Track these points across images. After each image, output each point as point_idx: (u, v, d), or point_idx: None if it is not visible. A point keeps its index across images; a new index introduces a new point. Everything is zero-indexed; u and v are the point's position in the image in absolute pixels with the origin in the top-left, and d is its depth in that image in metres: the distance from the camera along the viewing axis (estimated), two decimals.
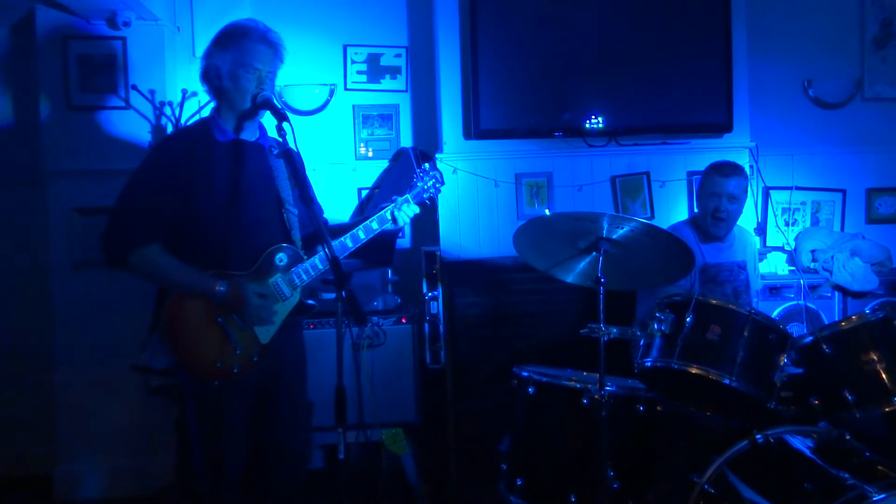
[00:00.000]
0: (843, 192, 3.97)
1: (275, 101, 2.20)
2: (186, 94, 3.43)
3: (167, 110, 3.40)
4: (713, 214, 2.94)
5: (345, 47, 3.87)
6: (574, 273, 2.41)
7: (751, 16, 3.74)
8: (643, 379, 2.28)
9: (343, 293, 1.91)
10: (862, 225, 3.98)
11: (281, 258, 2.25)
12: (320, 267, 2.25)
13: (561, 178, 3.63)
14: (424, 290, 3.45)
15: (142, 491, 3.34)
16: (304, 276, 2.26)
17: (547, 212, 3.55)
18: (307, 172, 2.52)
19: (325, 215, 2.63)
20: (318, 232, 2.03)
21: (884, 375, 2.05)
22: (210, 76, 2.24)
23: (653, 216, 3.63)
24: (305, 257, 2.28)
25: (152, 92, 3.40)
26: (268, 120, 2.25)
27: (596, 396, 2.17)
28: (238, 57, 2.20)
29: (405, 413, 3.21)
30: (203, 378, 2.15)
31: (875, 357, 2.06)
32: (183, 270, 2.15)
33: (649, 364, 2.18)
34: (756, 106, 3.77)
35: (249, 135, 2.30)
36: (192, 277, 2.14)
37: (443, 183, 2.51)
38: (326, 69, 3.88)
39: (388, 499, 3.17)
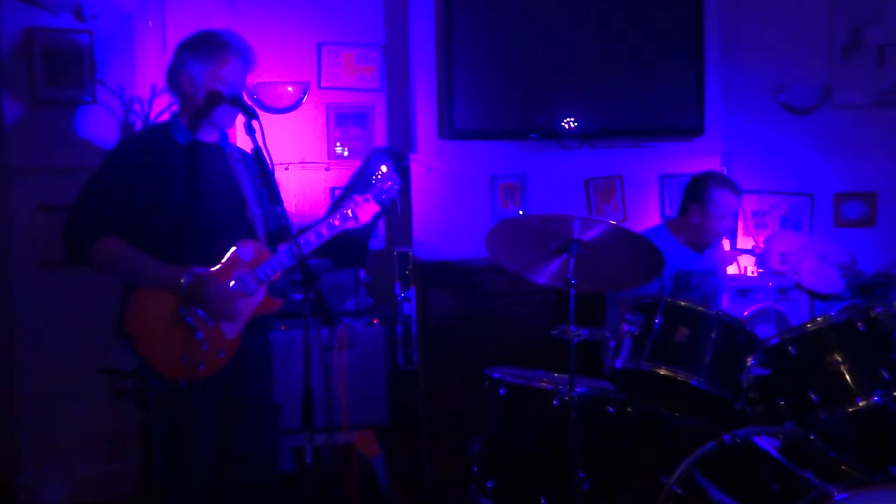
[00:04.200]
0: (812, 196, 4.04)
1: (243, 98, 2.18)
2: (156, 91, 3.37)
3: (136, 106, 3.34)
4: (723, 233, 2.96)
5: (319, 45, 3.84)
6: (545, 274, 2.41)
7: (723, 22, 3.78)
8: (613, 380, 2.29)
9: (311, 293, 1.90)
10: (829, 229, 4.05)
11: (246, 253, 2.25)
12: (286, 263, 2.25)
13: (535, 179, 3.64)
14: (397, 291, 3.43)
15: (106, 497, 3.27)
16: (269, 272, 2.25)
17: (521, 213, 3.55)
18: (275, 172, 2.51)
19: (298, 215, 2.62)
20: (284, 229, 2.02)
21: (847, 376, 2.07)
22: (182, 83, 2.24)
23: (625, 218, 3.65)
24: (271, 253, 2.27)
25: (121, 87, 3.33)
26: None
27: (566, 398, 2.18)
28: (216, 70, 2.21)
29: (377, 415, 3.19)
30: (169, 376, 2.12)
31: (839, 358, 2.08)
32: (146, 261, 2.13)
33: (619, 365, 2.20)
34: (727, 110, 3.81)
35: (209, 136, 2.29)
36: (155, 268, 2.13)
37: (399, 185, 2.53)
38: (300, 67, 3.84)
39: (358, 502, 3.15)
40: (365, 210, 2.39)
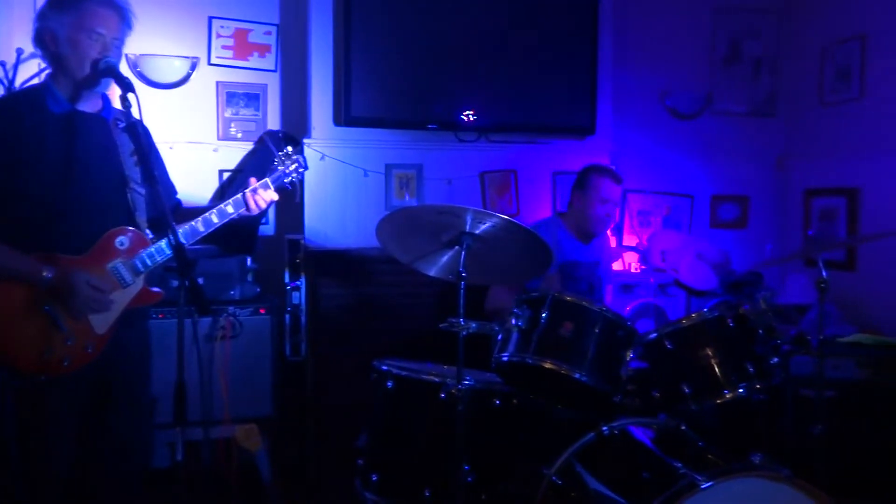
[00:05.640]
0: (692, 197, 4.26)
1: (119, 68, 2.01)
2: (22, 55, 3.09)
3: None
4: (603, 218, 3.06)
5: (210, 19, 3.65)
6: (436, 266, 2.40)
7: (616, 29, 3.90)
8: (500, 373, 2.31)
9: (186, 281, 1.78)
10: (706, 229, 4.30)
11: (122, 242, 2.07)
12: (167, 252, 2.09)
13: (431, 170, 3.62)
14: (287, 280, 3.33)
15: None
16: (148, 262, 2.09)
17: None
18: (159, 150, 2.35)
19: (183, 197, 2.46)
20: (163, 215, 1.88)
21: (717, 370, 2.18)
22: (45, 40, 2.03)
23: (518, 212, 3.71)
24: (152, 241, 2.12)
25: None
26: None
27: (453, 391, 2.17)
28: (78, 20, 2.01)
29: (261, 407, 3.08)
30: (28, 372, 1.94)
31: (710, 353, 2.19)
32: (3, 253, 1.92)
33: (506, 358, 2.21)
34: (617, 112, 3.95)
35: (90, 106, 2.10)
36: (13, 261, 1.92)
37: (306, 168, 2.43)
38: (189, 41, 3.64)
39: (238, 497, 3.03)
40: (262, 197, 2.25)
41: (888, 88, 3.78)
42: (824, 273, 2.45)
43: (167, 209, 1.89)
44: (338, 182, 3.51)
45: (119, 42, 2.09)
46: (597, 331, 2.16)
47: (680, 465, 1.99)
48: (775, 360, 2.21)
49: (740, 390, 2.15)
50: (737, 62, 4.36)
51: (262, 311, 3.13)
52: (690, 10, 4.26)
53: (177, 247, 1.83)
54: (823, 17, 4.17)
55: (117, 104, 1.99)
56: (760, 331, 2.21)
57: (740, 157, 4.35)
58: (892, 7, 3.76)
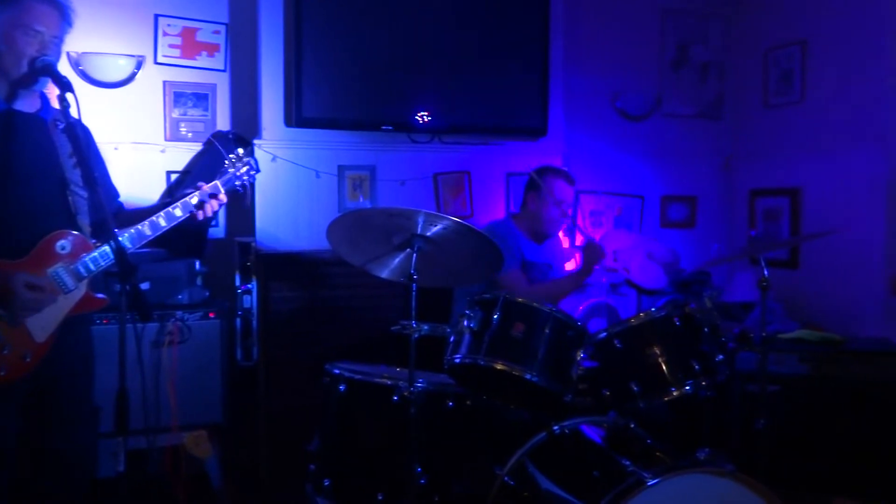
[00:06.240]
0: (642, 198, 4.34)
1: (57, 67, 1.95)
2: None
3: None
4: (557, 219, 3.09)
5: (156, 17, 3.57)
6: (388, 269, 2.39)
7: (568, 30, 3.95)
8: (452, 375, 2.31)
9: (127, 286, 1.74)
10: (656, 229, 4.38)
11: (63, 246, 2.01)
12: (112, 256, 2.03)
13: (384, 172, 3.61)
14: (237, 283, 3.28)
15: None
16: (91, 266, 2.03)
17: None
18: (101, 151, 2.29)
19: (129, 199, 2.40)
20: (103, 219, 1.83)
21: (664, 368, 2.21)
22: None
23: (472, 214, 3.72)
24: (95, 245, 2.06)
25: None
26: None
27: (405, 393, 2.17)
28: (15, 16, 1.95)
29: (211, 414, 3.02)
30: None
31: (658, 351, 2.22)
32: None
33: (458, 360, 2.21)
34: (569, 113, 3.99)
35: (28, 106, 2.04)
36: None
37: (258, 170, 2.40)
38: (134, 39, 3.55)
39: None
40: (211, 204, 2.20)
41: (827, 91, 3.92)
42: (766, 272, 2.52)
43: (108, 213, 1.84)
44: (290, 183, 3.46)
45: (58, 40, 2.03)
46: (547, 331, 2.18)
47: (628, 462, 2.02)
48: (720, 357, 2.26)
49: (687, 388, 2.19)
50: (685, 65, 4.46)
51: (212, 316, 3.07)
52: (640, 13, 4.34)
53: (118, 251, 1.78)
54: (767, 23, 4.30)
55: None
56: (706, 329, 2.26)
57: (689, 158, 4.45)
58: (830, 14, 3.90)
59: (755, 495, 1.92)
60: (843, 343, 3.25)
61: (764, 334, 2.52)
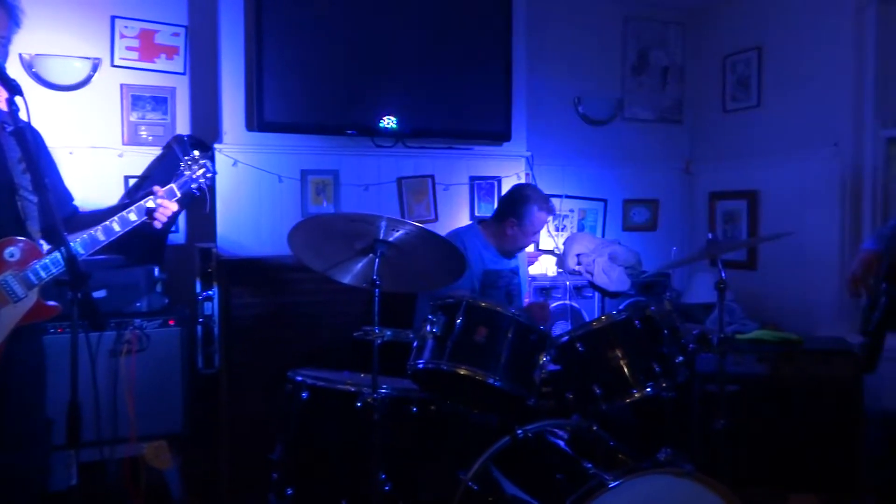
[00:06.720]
0: (605, 201, 4.39)
1: (4, 69, 1.89)
2: None
3: None
4: (528, 244, 3.12)
5: (112, 18, 3.50)
6: (351, 274, 2.37)
7: (530, 36, 3.97)
8: (416, 380, 2.31)
9: (79, 294, 1.69)
10: (619, 232, 4.43)
11: (12, 253, 1.95)
12: (63, 263, 1.98)
13: (348, 176, 3.58)
14: (198, 290, 3.22)
15: None
16: (42, 274, 1.97)
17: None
18: (53, 155, 2.23)
19: (87, 204, 2.34)
20: (53, 225, 1.78)
21: (626, 370, 2.24)
22: None
23: (436, 218, 3.72)
24: (45, 251, 2.00)
25: None
26: None
27: (369, 399, 2.15)
28: None
29: (171, 424, 2.97)
30: None
31: (619, 354, 2.24)
32: None
33: (421, 365, 2.21)
34: (532, 118, 4.02)
35: None
36: None
37: (214, 173, 2.36)
38: (90, 41, 3.47)
39: None
40: (167, 205, 2.16)
41: (781, 96, 4.02)
42: (723, 274, 2.56)
43: (57, 219, 1.79)
44: (251, 188, 3.42)
45: (5, 41, 1.97)
46: (510, 336, 2.19)
47: (590, 465, 2.04)
48: (680, 358, 2.29)
49: (648, 389, 2.21)
50: (646, 71, 4.53)
51: (172, 323, 3.01)
52: (602, 19, 4.39)
53: (68, 258, 1.74)
54: (724, 30, 4.39)
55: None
56: (666, 331, 2.29)
57: (650, 162, 4.52)
58: (784, 22, 4.00)
59: (714, 494, 1.95)
60: (801, 343, 3.33)
61: (722, 335, 2.56)
